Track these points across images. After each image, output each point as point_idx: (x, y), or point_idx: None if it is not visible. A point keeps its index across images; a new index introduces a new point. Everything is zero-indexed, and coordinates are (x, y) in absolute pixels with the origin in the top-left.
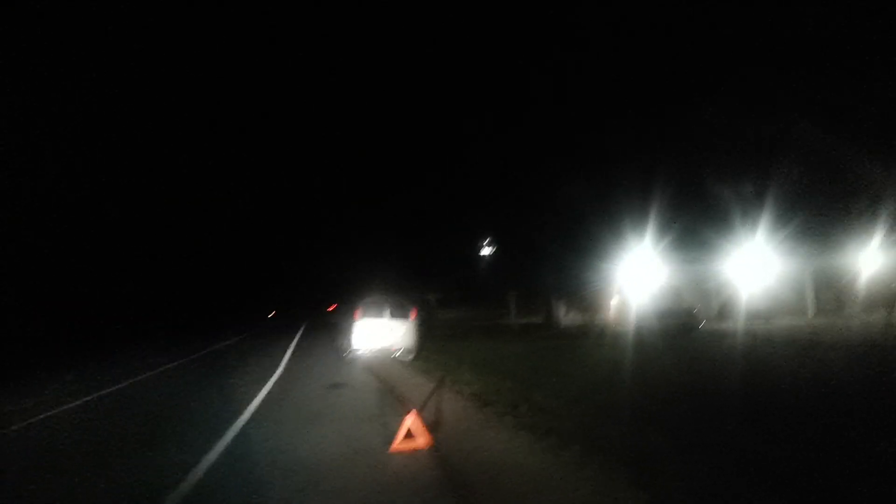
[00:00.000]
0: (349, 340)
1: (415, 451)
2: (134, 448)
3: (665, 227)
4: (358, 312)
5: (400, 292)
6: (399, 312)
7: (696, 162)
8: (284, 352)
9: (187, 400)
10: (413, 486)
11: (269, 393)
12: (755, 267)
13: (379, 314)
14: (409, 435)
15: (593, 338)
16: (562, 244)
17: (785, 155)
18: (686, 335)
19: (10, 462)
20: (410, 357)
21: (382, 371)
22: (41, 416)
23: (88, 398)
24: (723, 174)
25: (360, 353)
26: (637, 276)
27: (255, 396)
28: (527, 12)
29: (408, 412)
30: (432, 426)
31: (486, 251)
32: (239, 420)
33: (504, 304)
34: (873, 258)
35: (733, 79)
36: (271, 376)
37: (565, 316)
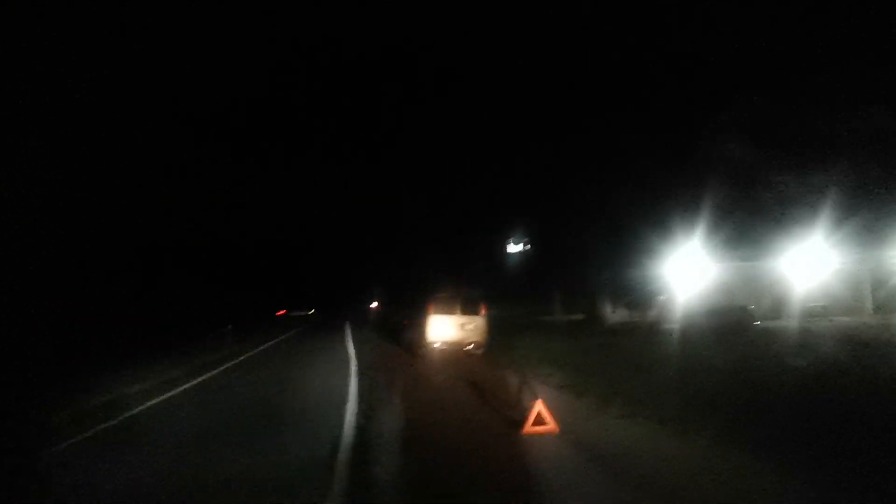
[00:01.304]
0: (422, 335)
1: (545, 435)
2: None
3: (716, 225)
4: (430, 308)
5: (466, 289)
6: (470, 308)
7: (750, 157)
8: (346, 345)
9: (288, 389)
10: (568, 465)
11: (360, 385)
12: (811, 264)
13: (450, 310)
14: (538, 420)
15: (644, 335)
16: (608, 242)
17: (844, 149)
18: (739, 333)
19: (156, 436)
20: (480, 351)
21: (459, 365)
22: (173, 392)
23: (195, 382)
24: (778, 169)
25: (433, 347)
26: (686, 273)
27: (348, 385)
28: (582, 10)
29: (533, 401)
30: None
31: (524, 249)
32: (347, 406)
33: (545, 302)
34: None
35: (790, 70)
36: (350, 367)
37: (612, 314)
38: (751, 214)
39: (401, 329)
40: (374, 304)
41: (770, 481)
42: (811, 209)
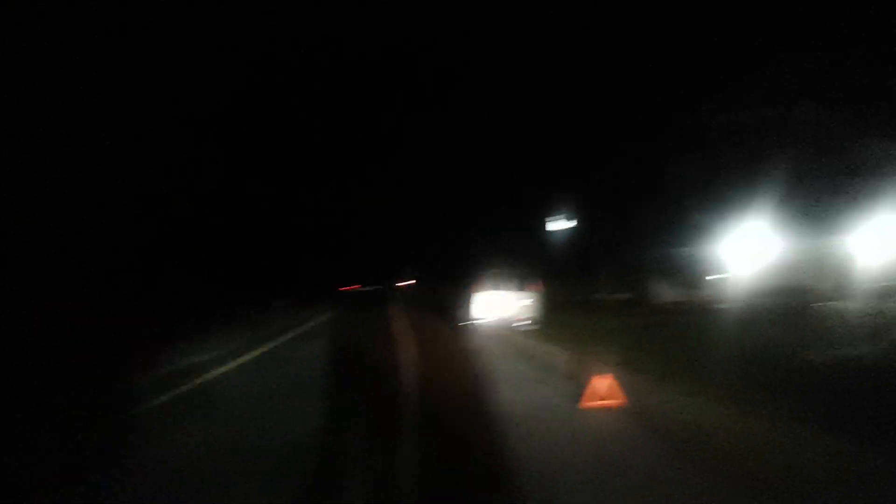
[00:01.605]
0: (469, 311)
1: (609, 409)
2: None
3: (779, 199)
4: (481, 283)
5: (518, 265)
6: (523, 284)
7: (819, 122)
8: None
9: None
10: (638, 438)
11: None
12: (886, 240)
13: (502, 285)
14: (601, 394)
15: (696, 315)
16: (658, 218)
17: None
18: (801, 314)
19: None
20: (532, 328)
21: (511, 341)
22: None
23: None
24: (850, 136)
25: (481, 323)
26: (743, 251)
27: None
28: None
29: (600, 374)
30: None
31: (566, 225)
32: (401, 375)
33: (589, 281)
34: None
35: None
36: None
37: (661, 293)
38: (818, 187)
39: (448, 305)
40: (406, 283)
41: (851, 460)
42: (887, 179)
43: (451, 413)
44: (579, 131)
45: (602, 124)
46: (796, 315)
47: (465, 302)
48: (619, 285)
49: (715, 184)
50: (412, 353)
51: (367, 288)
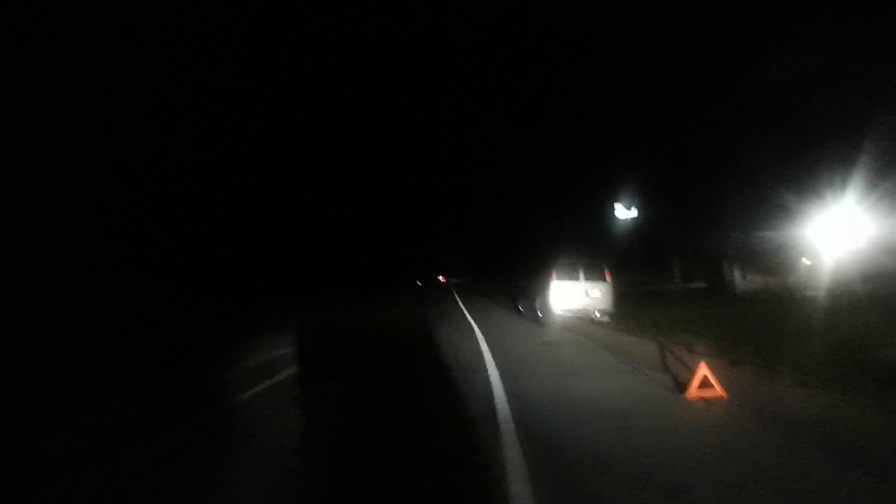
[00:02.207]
0: (545, 302)
1: (713, 400)
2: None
3: (877, 176)
4: (554, 274)
5: (590, 255)
6: (595, 274)
7: None
8: (464, 315)
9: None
10: (752, 430)
11: (491, 349)
12: None
13: (575, 276)
14: (704, 384)
15: (783, 304)
16: (735, 202)
17: None
18: None
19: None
20: (607, 319)
21: (589, 332)
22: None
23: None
24: None
25: (557, 314)
26: (835, 234)
27: (480, 345)
28: None
29: (697, 364)
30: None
31: (634, 214)
32: (491, 370)
33: (660, 271)
34: None
35: None
36: (476, 336)
37: (741, 281)
38: None
39: (520, 297)
40: (443, 279)
41: None
42: None
43: (553, 408)
44: (645, 113)
45: (668, 105)
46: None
47: (543, 293)
48: (691, 275)
49: (800, 162)
50: (487, 351)
51: (456, 280)
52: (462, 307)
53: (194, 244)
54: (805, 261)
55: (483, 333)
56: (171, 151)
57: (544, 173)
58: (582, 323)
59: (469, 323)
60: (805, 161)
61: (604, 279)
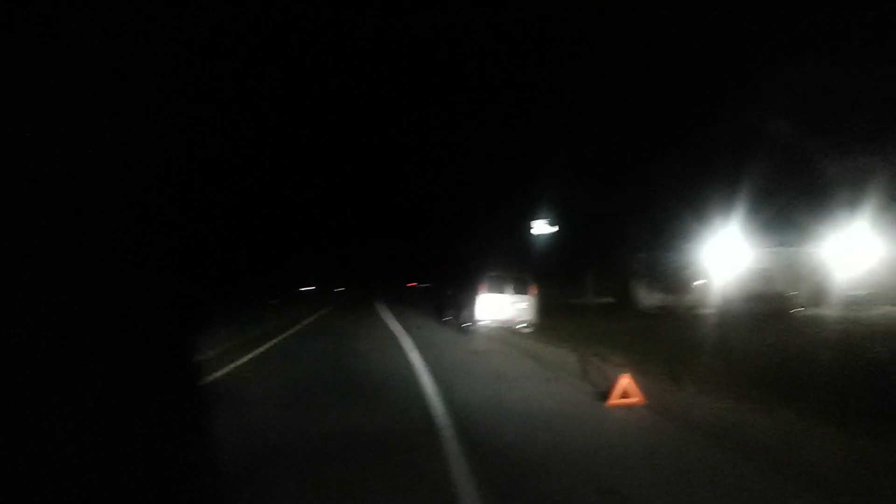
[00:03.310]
0: (472, 312)
1: (633, 406)
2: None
3: (756, 207)
4: (482, 286)
5: (516, 268)
6: (520, 287)
7: (792, 136)
8: (391, 321)
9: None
10: (664, 432)
11: (421, 357)
12: (856, 250)
13: (501, 288)
14: (624, 392)
15: (682, 320)
16: (642, 224)
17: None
18: (779, 319)
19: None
20: (530, 331)
21: (513, 343)
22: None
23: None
24: (824, 150)
25: (482, 325)
26: (724, 257)
27: (409, 354)
28: None
29: (616, 373)
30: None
31: (551, 230)
32: (423, 378)
33: (573, 285)
34: None
35: (838, 39)
36: (402, 342)
37: (646, 297)
38: (792, 197)
39: (446, 307)
40: (417, 284)
41: (860, 446)
42: (856, 192)
43: (487, 417)
44: (565, 138)
45: (587, 132)
46: (778, 321)
47: (471, 304)
48: (601, 290)
49: (697, 190)
50: (416, 356)
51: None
52: (384, 314)
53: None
54: (699, 281)
55: (411, 342)
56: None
57: (469, 185)
58: (506, 333)
59: (394, 332)
60: (702, 187)
61: (528, 292)
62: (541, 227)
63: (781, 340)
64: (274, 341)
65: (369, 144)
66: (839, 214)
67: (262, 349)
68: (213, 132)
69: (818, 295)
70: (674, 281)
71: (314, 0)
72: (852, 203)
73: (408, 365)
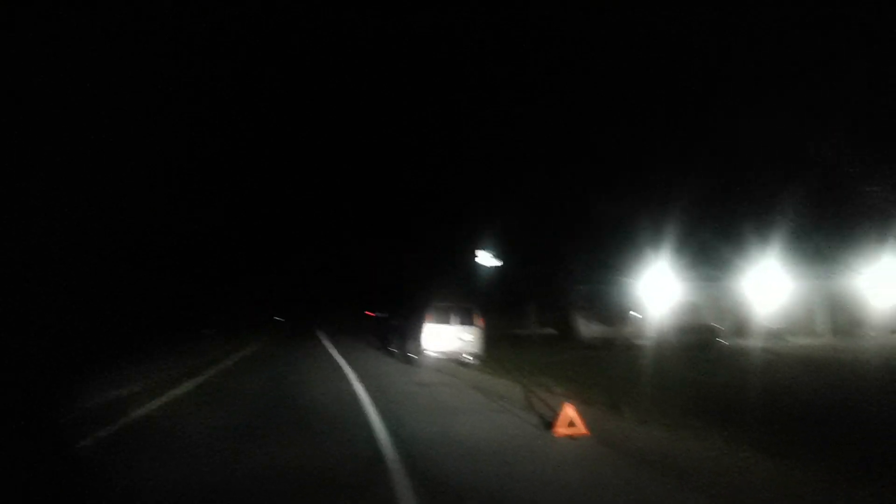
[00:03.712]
0: (418, 343)
1: (577, 437)
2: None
3: (683, 244)
4: (428, 316)
5: (463, 300)
6: (467, 318)
7: (716, 178)
8: (331, 352)
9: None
10: (606, 461)
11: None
12: (770, 286)
13: (448, 319)
14: (568, 422)
15: (620, 350)
16: (583, 257)
17: (798, 174)
18: (707, 350)
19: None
20: (475, 362)
21: (458, 374)
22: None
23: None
24: (740, 192)
25: (428, 355)
26: (657, 291)
27: (355, 386)
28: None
29: (560, 404)
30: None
31: (495, 261)
32: (370, 411)
33: (515, 316)
34: (883, 280)
35: (751, 91)
36: (346, 375)
37: (586, 329)
38: (714, 235)
39: (392, 337)
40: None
41: (782, 474)
42: (769, 232)
43: (434, 448)
44: (509, 170)
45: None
46: (706, 351)
47: (417, 334)
48: (543, 321)
49: (632, 226)
50: (360, 389)
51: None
52: (328, 344)
53: None
54: (635, 313)
55: (355, 374)
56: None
57: (415, 214)
58: (452, 365)
59: (338, 363)
60: (636, 223)
61: (475, 323)
62: (485, 258)
63: (710, 370)
64: (210, 373)
65: (319, 171)
66: (755, 252)
67: (196, 381)
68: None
69: (740, 327)
70: (612, 313)
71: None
72: (765, 241)
73: (354, 396)
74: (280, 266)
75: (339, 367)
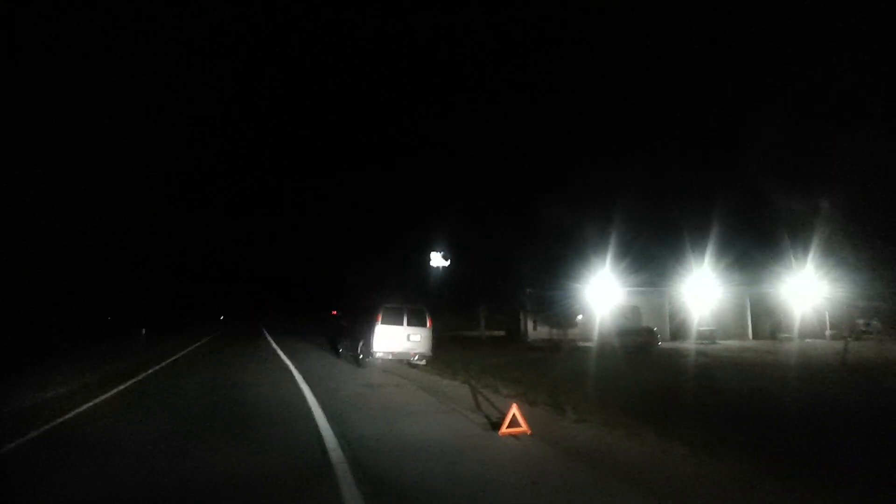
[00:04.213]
0: (368, 345)
1: (520, 436)
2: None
3: (626, 251)
4: (379, 318)
5: (413, 302)
6: (417, 320)
7: (656, 191)
8: (280, 354)
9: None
10: (547, 459)
11: (315, 392)
12: (702, 292)
13: (399, 321)
14: (513, 422)
15: (566, 352)
16: (532, 262)
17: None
18: (646, 352)
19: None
20: (424, 363)
21: (408, 375)
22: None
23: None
24: (677, 202)
25: (378, 357)
26: (601, 295)
27: (305, 393)
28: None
29: (506, 405)
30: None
31: (446, 264)
32: (317, 414)
33: (465, 318)
34: (803, 288)
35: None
36: (294, 377)
37: (533, 331)
38: (655, 243)
39: (342, 339)
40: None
41: (713, 469)
42: (703, 241)
43: (384, 449)
44: (462, 173)
45: (483, 173)
46: (645, 353)
47: (367, 336)
48: (493, 323)
49: (579, 233)
50: (309, 393)
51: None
52: (277, 345)
53: None
54: (580, 316)
55: (303, 375)
56: None
57: (367, 217)
58: (401, 366)
59: (286, 365)
60: (586, 230)
61: (425, 325)
62: (437, 260)
63: (647, 371)
64: (145, 375)
65: (276, 173)
66: (692, 259)
67: (128, 384)
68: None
69: (677, 330)
70: (559, 316)
71: None
72: (701, 250)
73: (301, 399)
74: (229, 267)
75: (286, 369)
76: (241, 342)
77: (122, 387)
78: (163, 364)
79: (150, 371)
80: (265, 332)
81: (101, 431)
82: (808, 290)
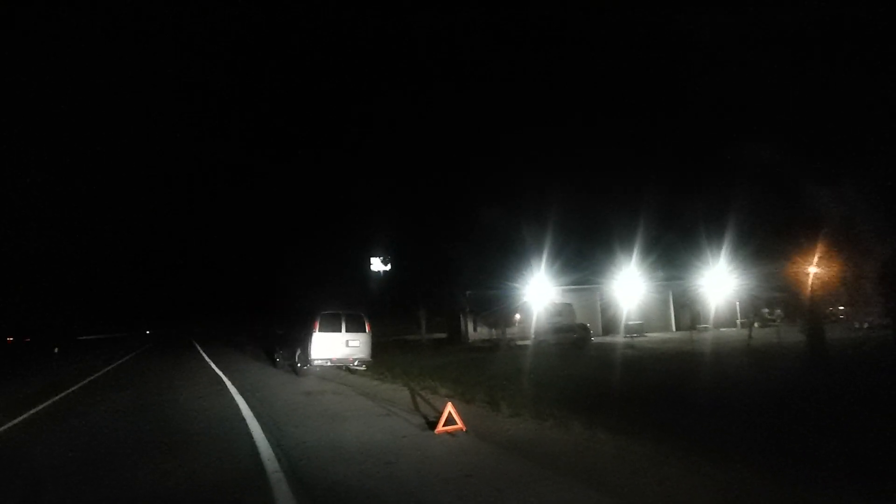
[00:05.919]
0: (307, 352)
1: (456, 433)
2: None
3: (558, 251)
4: (316, 325)
5: (350, 307)
6: (356, 325)
7: (587, 191)
8: (209, 363)
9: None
10: (481, 453)
11: (249, 403)
12: (630, 288)
13: (337, 327)
14: (448, 420)
15: (504, 351)
16: (470, 264)
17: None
18: (580, 347)
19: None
20: (364, 368)
21: (348, 380)
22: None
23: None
24: (607, 202)
25: (316, 364)
26: (537, 294)
27: (237, 400)
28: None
29: (443, 405)
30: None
31: (386, 268)
32: (252, 425)
33: (407, 321)
34: (718, 282)
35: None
36: (227, 387)
37: (473, 332)
38: (584, 243)
39: (278, 348)
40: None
41: (631, 451)
42: (631, 240)
43: (322, 454)
44: (400, 178)
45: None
46: (577, 348)
47: (305, 343)
48: (434, 326)
49: (515, 234)
50: (242, 402)
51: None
52: (208, 357)
53: None
54: (518, 316)
55: (237, 387)
56: None
57: (302, 221)
58: (340, 373)
59: (219, 376)
60: (522, 232)
61: (363, 330)
62: (378, 265)
63: (580, 365)
64: (64, 394)
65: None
66: (620, 256)
67: (45, 405)
68: None
69: (608, 325)
70: (497, 317)
71: None
72: (628, 247)
73: (235, 411)
74: (156, 277)
75: (219, 381)
76: (171, 356)
77: (38, 407)
78: (83, 382)
79: (67, 391)
80: (198, 344)
81: (14, 453)
82: (722, 283)
